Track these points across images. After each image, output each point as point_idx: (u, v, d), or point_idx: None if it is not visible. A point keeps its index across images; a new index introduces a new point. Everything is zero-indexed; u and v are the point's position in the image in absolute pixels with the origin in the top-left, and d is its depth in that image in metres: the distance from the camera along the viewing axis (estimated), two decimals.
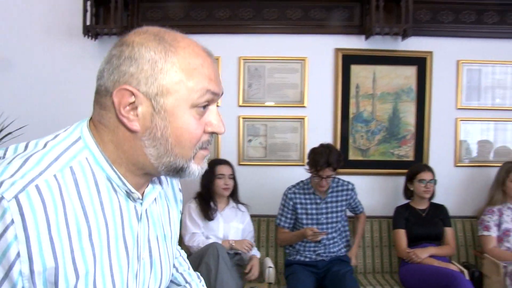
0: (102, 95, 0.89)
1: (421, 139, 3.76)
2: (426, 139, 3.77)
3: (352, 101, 3.72)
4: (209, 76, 0.89)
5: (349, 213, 3.49)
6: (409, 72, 3.73)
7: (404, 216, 3.43)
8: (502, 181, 3.44)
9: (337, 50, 3.70)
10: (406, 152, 3.77)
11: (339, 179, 3.37)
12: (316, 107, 3.72)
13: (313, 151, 3.18)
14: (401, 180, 3.56)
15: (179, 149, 0.89)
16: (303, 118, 3.71)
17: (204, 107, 0.90)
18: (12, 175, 0.79)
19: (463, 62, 3.77)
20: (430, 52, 3.74)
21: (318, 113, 3.72)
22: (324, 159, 3.07)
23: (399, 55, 3.72)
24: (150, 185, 0.99)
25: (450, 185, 3.75)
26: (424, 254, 3.23)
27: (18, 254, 0.77)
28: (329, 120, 3.74)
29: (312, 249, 3.25)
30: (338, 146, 3.67)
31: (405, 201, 3.53)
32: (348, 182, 3.36)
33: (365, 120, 3.74)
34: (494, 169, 3.56)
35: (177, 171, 0.92)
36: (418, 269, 3.20)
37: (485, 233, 3.40)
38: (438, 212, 3.46)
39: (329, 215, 3.27)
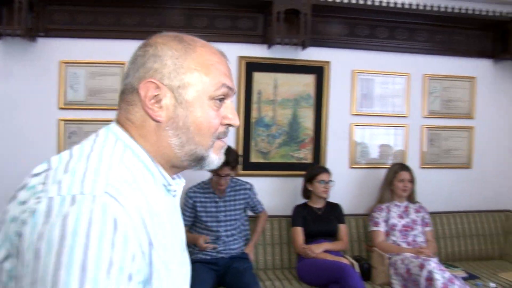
0: (128, 92, 0.96)
1: (318, 142, 4.03)
2: (323, 143, 4.04)
3: (254, 106, 3.91)
4: (224, 72, 0.99)
5: (254, 214, 3.69)
6: (308, 80, 3.99)
7: (302, 214, 3.67)
8: (390, 181, 3.79)
9: (241, 58, 3.88)
10: (305, 154, 4.03)
11: (238, 179, 3.57)
12: None
13: None
14: (301, 181, 3.79)
15: (199, 137, 0.96)
16: None
17: (220, 100, 0.98)
18: (85, 177, 0.80)
19: (357, 72, 4.08)
20: (328, 62, 4.01)
21: None
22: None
23: (299, 63, 3.96)
24: (177, 179, 1.06)
25: (345, 185, 4.04)
26: (318, 249, 3.48)
27: (137, 240, 0.79)
28: None
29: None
30: (240, 149, 3.85)
31: (303, 201, 3.77)
32: (246, 182, 3.56)
33: (267, 125, 3.95)
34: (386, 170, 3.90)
35: (198, 161, 0.99)
36: (313, 264, 3.44)
37: (374, 228, 3.72)
38: (333, 211, 3.73)
39: (228, 213, 3.44)
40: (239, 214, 3.51)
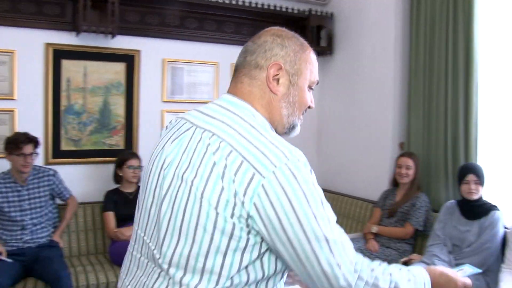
0: (252, 68, 1.25)
1: (130, 129, 4.14)
2: (135, 129, 4.17)
3: (63, 94, 3.89)
4: (317, 71, 1.32)
5: (62, 201, 3.69)
6: (119, 68, 4.07)
7: (113, 199, 3.76)
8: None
9: (48, 45, 3.82)
10: (117, 141, 4.12)
11: (40, 166, 3.55)
12: (26, 100, 3.78)
13: (12, 137, 3.38)
14: (113, 167, 3.87)
15: (298, 111, 1.29)
16: (12, 111, 3.74)
17: (311, 89, 1.31)
18: (285, 149, 1.09)
19: (168, 61, 4.26)
20: (138, 51, 4.13)
21: (28, 106, 3.79)
22: (23, 137, 3.32)
23: (109, 52, 4.01)
24: None
25: None
26: (129, 232, 3.59)
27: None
28: (40, 113, 3.84)
29: (18, 237, 3.34)
30: (49, 138, 3.83)
31: (116, 186, 3.86)
32: (50, 169, 3.56)
33: (77, 112, 3.95)
34: None
35: (292, 128, 1.30)
36: (124, 246, 3.51)
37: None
38: None
39: (32, 201, 3.41)
40: (45, 202, 3.49)
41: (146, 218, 1.22)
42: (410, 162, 3.70)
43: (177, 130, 1.25)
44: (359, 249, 3.57)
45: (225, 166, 1.07)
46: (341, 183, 4.77)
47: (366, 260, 1.18)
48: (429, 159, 3.82)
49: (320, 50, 4.78)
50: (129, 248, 1.30)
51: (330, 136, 4.97)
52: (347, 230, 4.30)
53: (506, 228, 3.13)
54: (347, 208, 4.46)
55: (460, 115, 3.53)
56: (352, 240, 3.59)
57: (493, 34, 3.51)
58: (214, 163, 1.08)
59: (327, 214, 1.11)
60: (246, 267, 1.10)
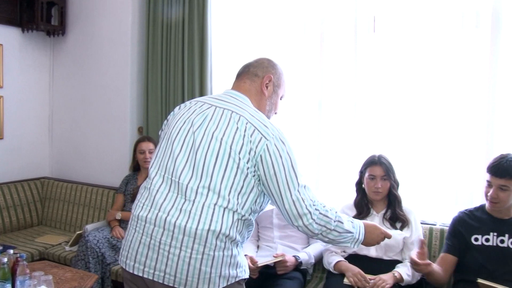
0: (253, 75, 1.96)
1: None
2: None
3: None
4: (286, 90, 2.08)
5: None
6: None
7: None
8: None
9: None
10: None
11: None
12: None
13: None
14: None
15: (272, 111, 2.01)
16: None
17: (281, 99, 2.06)
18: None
19: None
20: None
21: None
22: None
23: None
24: None
25: None
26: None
27: None
28: None
29: None
30: None
31: None
32: None
33: None
34: None
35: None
36: None
37: None
38: None
39: None
40: None
41: (172, 165, 1.78)
42: (151, 146, 3.71)
43: (199, 108, 1.87)
44: (105, 238, 3.46)
45: (245, 131, 1.74)
46: (79, 171, 4.53)
47: (322, 201, 1.81)
48: None
49: (51, 29, 4.41)
50: (149, 187, 1.82)
51: (64, 122, 4.65)
52: (89, 220, 4.13)
53: None
54: (87, 197, 4.25)
55: None
56: (96, 229, 3.52)
57: (226, 19, 3.77)
58: (237, 128, 1.75)
59: (299, 170, 1.77)
60: (252, 200, 1.75)
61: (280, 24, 3.58)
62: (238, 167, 1.71)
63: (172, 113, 2.00)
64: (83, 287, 2.67)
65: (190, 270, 1.65)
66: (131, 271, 1.76)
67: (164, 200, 1.74)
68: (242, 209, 1.72)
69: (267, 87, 1.95)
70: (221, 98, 1.89)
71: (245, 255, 2.88)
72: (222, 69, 3.77)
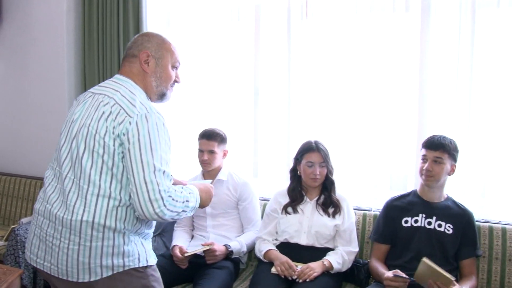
0: (130, 57, 1.90)
1: None
2: None
3: None
4: (177, 56, 1.96)
5: None
6: None
7: None
8: None
9: None
10: None
11: None
12: None
13: None
14: None
15: (165, 84, 1.92)
16: None
17: (175, 68, 1.96)
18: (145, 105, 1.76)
19: None
20: None
21: None
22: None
23: None
24: None
25: None
26: None
27: None
28: None
29: None
30: None
31: None
32: None
33: None
34: None
35: (161, 96, 1.94)
36: None
37: None
38: None
39: None
40: None
41: (58, 157, 1.80)
42: None
43: (83, 97, 1.89)
44: None
45: (110, 112, 1.71)
46: (16, 163, 4.37)
47: (174, 186, 1.74)
48: None
49: None
50: (45, 180, 1.85)
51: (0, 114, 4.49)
52: (28, 213, 4.01)
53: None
54: (25, 190, 4.11)
55: None
56: (29, 223, 3.40)
57: (161, 4, 3.69)
58: (103, 112, 1.73)
59: (160, 152, 1.69)
60: (126, 183, 1.69)
61: (214, 9, 3.51)
62: (104, 151, 1.68)
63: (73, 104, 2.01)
64: (3, 282, 2.57)
65: (69, 260, 1.66)
66: (29, 262, 1.82)
67: (53, 192, 1.78)
68: (118, 194, 1.68)
69: (148, 64, 1.87)
70: (104, 84, 1.89)
71: (175, 245, 2.84)
72: None
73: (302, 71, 3.25)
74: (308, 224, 2.75)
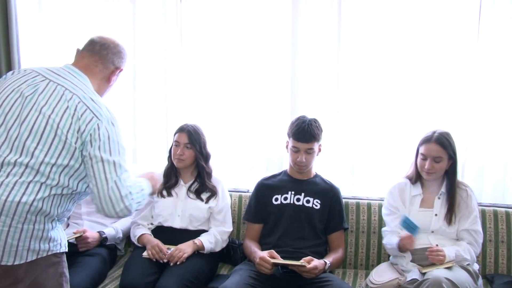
0: (108, 62, 1.92)
1: None
2: None
3: None
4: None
5: None
6: None
7: None
8: None
9: None
10: None
11: None
12: None
13: None
14: None
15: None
16: None
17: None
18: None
19: None
20: None
21: None
22: None
23: None
24: None
25: None
26: None
27: None
28: None
29: None
30: None
31: None
32: None
33: None
34: None
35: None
36: None
37: None
38: None
39: None
40: None
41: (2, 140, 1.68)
42: None
43: (31, 78, 1.76)
44: None
45: (75, 110, 1.69)
46: None
47: (133, 180, 1.83)
48: None
49: None
50: None
51: None
52: None
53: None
54: None
55: None
56: None
57: None
58: (68, 107, 1.69)
59: (121, 150, 1.76)
60: (78, 177, 1.73)
61: None
62: (64, 147, 1.67)
63: (4, 76, 1.86)
64: None
65: None
66: None
67: None
68: (67, 187, 1.71)
69: (116, 77, 1.96)
70: (58, 72, 1.81)
71: None
72: (31, 40, 3.45)
73: (179, 54, 3.20)
74: (182, 208, 2.75)
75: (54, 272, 1.77)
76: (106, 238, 2.76)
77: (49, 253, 1.72)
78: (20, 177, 1.63)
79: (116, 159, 1.73)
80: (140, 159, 3.32)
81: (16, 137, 1.66)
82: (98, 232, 2.75)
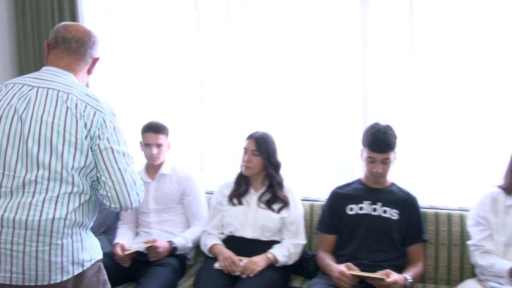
0: (88, 57, 1.84)
1: None
2: None
3: None
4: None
5: None
6: None
7: None
8: None
9: None
10: None
11: None
12: None
13: None
14: None
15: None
16: None
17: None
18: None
19: None
20: None
21: None
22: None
23: None
24: None
25: None
26: None
27: None
28: None
29: None
30: None
31: None
32: None
33: None
34: None
35: None
36: None
37: None
38: None
39: None
40: None
41: (2, 159, 1.61)
42: None
43: (18, 90, 1.67)
44: None
45: (76, 108, 1.64)
46: None
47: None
48: None
49: None
50: None
51: None
52: None
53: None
54: None
55: None
56: None
57: None
58: (68, 107, 1.63)
59: (125, 140, 1.74)
60: (91, 178, 1.69)
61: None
62: (76, 149, 1.62)
63: None
64: None
65: (39, 264, 1.58)
66: None
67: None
68: (89, 189, 1.69)
69: (94, 66, 1.91)
70: (42, 77, 1.72)
71: (117, 243, 2.72)
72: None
73: (246, 61, 3.17)
74: (253, 217, 2.67)
75: (97, 281, 1.76)
76: (175, 247, 2.73)
77: (92, 262, 1.71)
78: (46, 194, 1.59)
79: (124, 149, 1.71)
80: (207, 166, 3.28)
81: (27, 154, 1.60)
82: (168, 241, 2.72)
